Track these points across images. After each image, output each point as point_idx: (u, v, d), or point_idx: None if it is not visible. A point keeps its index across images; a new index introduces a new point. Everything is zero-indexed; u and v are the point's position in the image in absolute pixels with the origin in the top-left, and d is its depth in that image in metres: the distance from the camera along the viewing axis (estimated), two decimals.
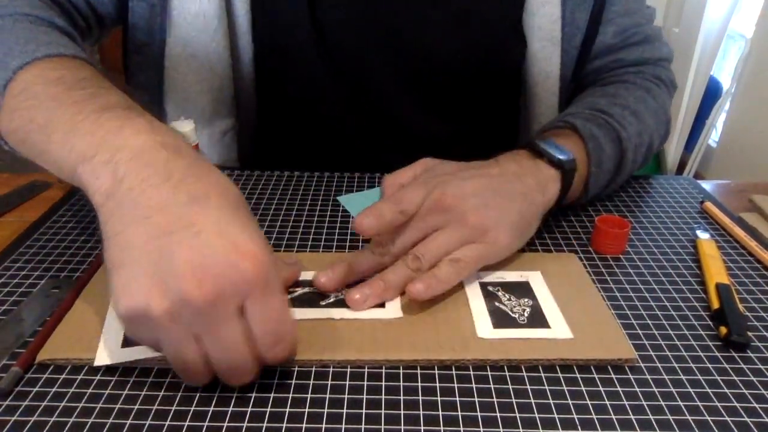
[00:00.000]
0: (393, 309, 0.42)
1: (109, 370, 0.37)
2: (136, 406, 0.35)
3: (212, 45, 0.60)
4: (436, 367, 0.38)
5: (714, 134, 2.28)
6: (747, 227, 0.55)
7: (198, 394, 0.35)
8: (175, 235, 0.31)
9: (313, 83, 0.66)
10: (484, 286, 0.45)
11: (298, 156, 0.72)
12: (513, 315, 0.42)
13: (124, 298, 0.31)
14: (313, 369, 0.37)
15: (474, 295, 0.44)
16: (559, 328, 0.41)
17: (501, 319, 0.42)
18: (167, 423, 0.34)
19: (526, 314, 0.42)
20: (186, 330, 0.31)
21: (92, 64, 0.44)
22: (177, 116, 0.58)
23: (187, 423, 0.34)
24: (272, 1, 0.62)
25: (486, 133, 0.73)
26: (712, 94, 2.24)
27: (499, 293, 0.45)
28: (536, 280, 0.46)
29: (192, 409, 0.34)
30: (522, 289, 0.45)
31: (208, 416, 0.34)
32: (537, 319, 0.42)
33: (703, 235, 0.53)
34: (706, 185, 0.66)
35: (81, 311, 0.42)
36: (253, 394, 0.36)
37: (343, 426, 0.34)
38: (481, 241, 0.44)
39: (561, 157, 0.50)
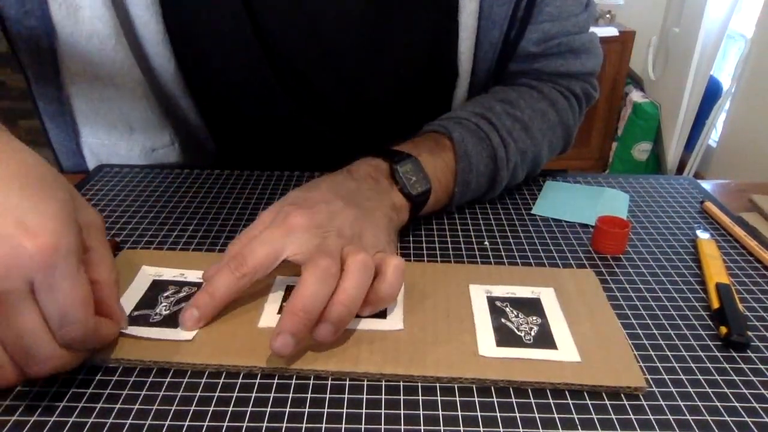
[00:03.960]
0: (394, 320, 0.41)
1: (109, 370, 0.37)
2: (136, 406, 0.35)
3: (116, 64, 0.58)
4: (438, 385, 0.37)
5: (714, 134, 2.29)
6: (747, 227, 0.55)
7: (198, 394, 0.35)
8: None
9: (249, 89, 0.64)
10: (492, 300, 0.44)
11: (258, 158, 0.71)
12: (519, 333, 0.40)
13: None
14: (312, 375, 0.37)
15: (480, 309, 0.43)
16: (566, 350, 0.39)
17: (505, 337, 0.40)
18: (167, 423, 0.34)
19: (533, 333, 0.40)
20: None
21: None
22: (90, 130, 0.60)
23: (187, 423, 0.34)
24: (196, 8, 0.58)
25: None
26: (712, 94, 2.25)
27: (507, 309, 0.43)
28: (548, 298, 0.44)
29: (192, 409, 0.34)
30: (532, 306, 0.43)
31: (208, 416, 0.34)
32: (544, 339, 0.40)
33: (703, 235, 0.53)
34: (706, 185, 0.66)
35: None
36: (253, 394, 0.36)
37: (343, 426, 0.34)
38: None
39: (412, 192, 0.50)
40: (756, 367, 0.39)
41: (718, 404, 0.36)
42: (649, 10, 2.59)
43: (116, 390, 0.36)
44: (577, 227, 0.55)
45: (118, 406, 0.35)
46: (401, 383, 0.37)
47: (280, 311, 0.42)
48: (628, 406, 0.35)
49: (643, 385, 0.36)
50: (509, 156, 0.57)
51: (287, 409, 0.35)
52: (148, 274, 0.46)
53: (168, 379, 0.36)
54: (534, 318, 0.42)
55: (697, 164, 2.28)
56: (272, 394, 0.36)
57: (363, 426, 0.34)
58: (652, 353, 0.40)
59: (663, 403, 0.36)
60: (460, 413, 0.35)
